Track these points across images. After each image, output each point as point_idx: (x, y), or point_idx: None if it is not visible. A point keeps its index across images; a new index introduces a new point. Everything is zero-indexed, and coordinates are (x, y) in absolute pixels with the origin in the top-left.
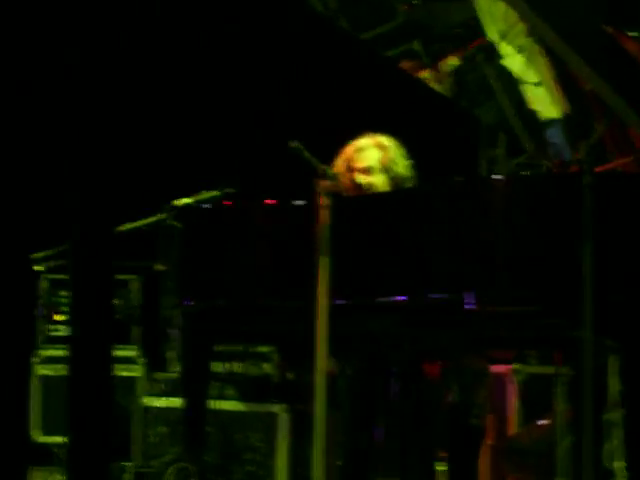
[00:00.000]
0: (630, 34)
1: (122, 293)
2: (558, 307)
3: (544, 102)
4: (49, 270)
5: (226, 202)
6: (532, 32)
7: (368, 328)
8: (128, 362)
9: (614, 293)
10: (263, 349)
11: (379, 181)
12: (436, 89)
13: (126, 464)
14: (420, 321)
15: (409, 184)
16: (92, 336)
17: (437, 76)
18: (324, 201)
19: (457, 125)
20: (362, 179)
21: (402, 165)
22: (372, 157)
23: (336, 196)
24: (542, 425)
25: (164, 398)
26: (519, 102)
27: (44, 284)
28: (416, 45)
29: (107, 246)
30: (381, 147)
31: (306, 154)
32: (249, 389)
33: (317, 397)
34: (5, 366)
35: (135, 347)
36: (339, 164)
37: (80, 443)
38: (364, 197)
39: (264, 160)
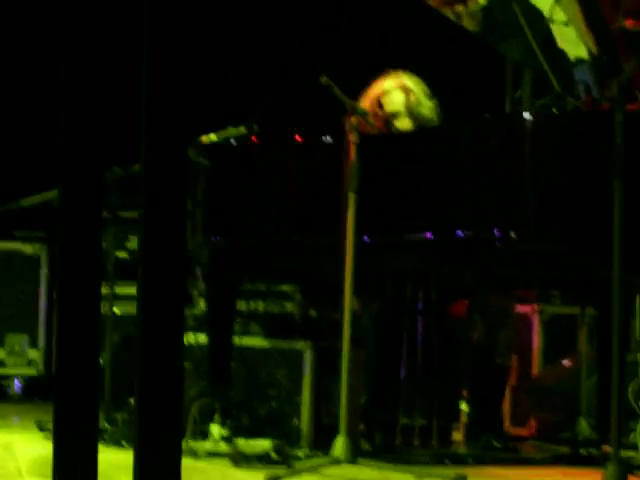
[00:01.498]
0: None
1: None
2: (587, 246)
3: (572, 41)
4: None
5: (254, 139)
6: None
7: (394, 266)
8: None
9: None
10: (286, 288)
11: (406, 125)
12: (466, 26)
13: None
14: (446, 259)
15: (433, 124)
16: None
17: (468, 12)
18: (353, 138)
19: (483, 63)
20: (389, 121)
21: (427, 107)
22: (397, 101)
23: (365, 133)
24: (565, 365)
25: (189, 334)
26: (547, 41)
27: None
28: None
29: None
30: (406, 90)
31: (336, 90)
32: (273, 326)
33: (344, 334)
34: None
35: None
36: (366, 104)
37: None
38: (392, 135)
39: (292, 95)
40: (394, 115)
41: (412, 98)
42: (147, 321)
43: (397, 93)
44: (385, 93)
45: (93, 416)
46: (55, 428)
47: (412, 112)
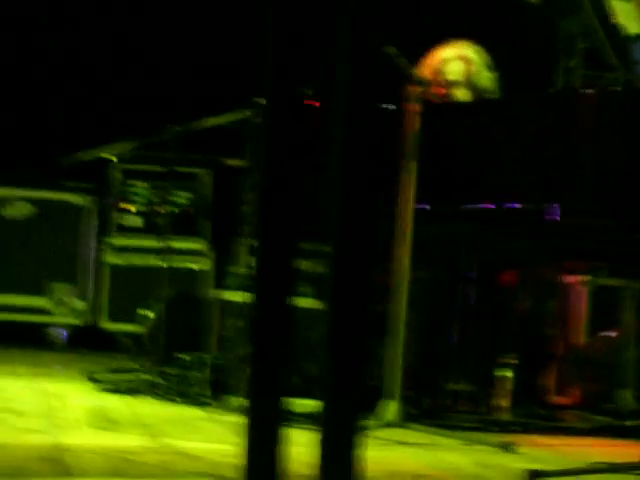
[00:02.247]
0: None
1: (193, 186)
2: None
3: (632, 17)
4: (121, 160)
5: (309, 101)
6: None
7: (451, 233)
8: (198, 254)
9: None
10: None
11: (464, 94)
12: None
13: (203, 355)
14: (500, 230)
15: (493, 96)
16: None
17: None
18: (414, 107)
19: (536, 34)
20: (448, 90)
21: (486, 77)
22: (457, 70)
23: (426, 102)
24: (609, 337)
25: (240, 292)
26: (605, 15)
27: (117, 174)
28: None
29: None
30: (465, 60)
31: (401, 60)
32: (323, 288)
33: (397, 298)
34: None
35: (204, 240)
36: (425, 73)
37: None
38: (454, 104)
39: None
40: (453, 84)
41: (472, 68)
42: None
43: (457, 62)
44: (445, 62)
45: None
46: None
47: (471, 82)
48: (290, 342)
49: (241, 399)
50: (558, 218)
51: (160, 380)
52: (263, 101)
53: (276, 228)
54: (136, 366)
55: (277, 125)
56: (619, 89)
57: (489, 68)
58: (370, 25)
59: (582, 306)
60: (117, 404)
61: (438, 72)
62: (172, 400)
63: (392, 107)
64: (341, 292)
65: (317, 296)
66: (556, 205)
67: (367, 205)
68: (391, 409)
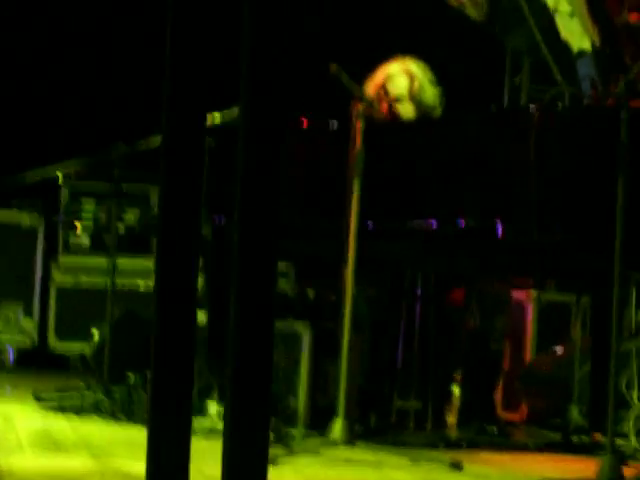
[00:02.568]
0: None
1: (142, 204)
2: (585, 239)
3: (576, 34)
4: (71, 179)
5: None
6: None
7: (395, 251)
8: (148, 273)
9: None
10: (280, 266)
11: (408, 110)
12: (470, 14)
13: (149, 374)
14: (447, 247)
15: (437, 113)
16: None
17: (472, 1)
18: (359, 125)
19: (483, 50)
20: (394, 107)
21: (431, 94)
22: (401, 85)
23: (371, 120)
24: (559, 352)
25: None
26: (551, 32)
27: (65, 193)
28: None
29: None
30: (410, 75)
31: (345, 77)
32: None
33: (345, 317)
34: None
35: (154, 259)
36: (370, 89)
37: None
38: (398, 122)
39: (300, 80)
40: (397, 99)
41: (416, 84)
42: (161, 294)
43: (401, 78)
44: (390, 77)
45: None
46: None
47: (415, 98)
48: (191, 360)
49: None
50: (500, 235)
51: (106, 399)
52: (208, 121)
53: (176, 246)
54: (83, 385)
55: (175, 153)
56: (561, 105)
57: (433, 84)
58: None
59: (530, 322)
60: (62, 425)
61: (383, 87)
62: (117, 419)
63: (335, 125)
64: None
65: None
66: (499, 222)
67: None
68: (338, 427)
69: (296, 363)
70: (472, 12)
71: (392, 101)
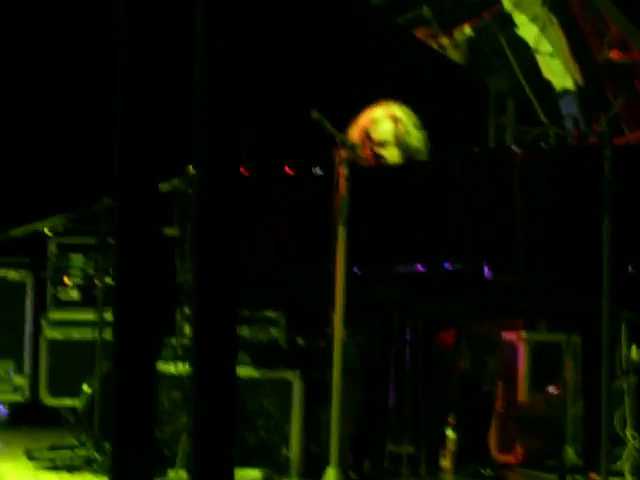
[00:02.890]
0: None
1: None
2: (572, 278)
3: (558, 73)
4: (58, 234)
5: (243, 169)
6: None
7: (383, 297)
8: None
9: (632, 265)
10: (270, 314)
11: (393, 154)
12: (451, 56)
13: None
14: (435, 290)
15: (422, 157)
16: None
17: (453, 43)
18: (343, 171)
19: (467, 92)
20: (378, 152)
21: (415, 137)
22: (386, 130)
23: (355, 166)
24: (551, 392)
25: (178, 363)
26: (533, 71)
27: (53, 248)
28: (426, 12)
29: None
30: (395, 119)
31: (326, 124)
32: (261, 355)
33: (334, 365)
34: None
35: None
36: (355, 134)
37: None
38: (383, 168)
39: (283, 128)
40: (382, 144)
41: (401, 127)
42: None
43: (386, 122)
44: (374, 122)
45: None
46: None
47: (400, 142)
48: (153, 410)
49: (180, 472)
50: (489, 276)
51: (98, 456)
52: (192, 170)
53: (133, 298)
54: (75, 442)
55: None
56: (544, 145)
57: (418, 127)
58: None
59: (522, 362)
60: None
61: (366, 132)
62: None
63: (319, 171)
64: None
65: (255, 364)
66: (486, 263)
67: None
68: (331, 475)
69: (288, 412)
70: (454, 55)
71: (377, 145)
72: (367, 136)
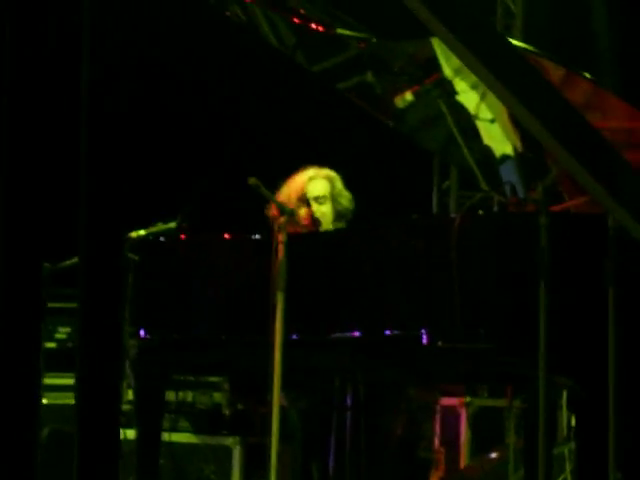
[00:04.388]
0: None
1: (72, 322)
2: (511, 346)
3: (498, 139)
4: None
5: (182, 235)
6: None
7: (322, 363)
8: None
9: (569, 332)
10: (214, 379)
11: (328, 210)
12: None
13: None
14: (374, 356)
15: (349, 215)
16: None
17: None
18: (281, 237)
19: (410, 158)
20: (315, 209)
21: (346, 197)
22: (323, 187)
23: (292, 232)
24: (493, 457)
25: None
26: (473, 138)
27: None
28: (369, 77)
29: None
30: (329, 179)
31: (264, 190)
32: (202, 421)
33: (272, 430)
34: None
35: None
36: (290, 194)
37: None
38: (319, 233)
39: (220, 193)
40: (320, 198)
41: (336, 187)
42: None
43: (322, 180)
44: (311, 179)
45: None
46: None
47: (335, 199)
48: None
49: None
50: (427, 343)
51: None
52: (134, 235)
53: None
54: None
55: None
56: (481, 214)
57: (345, 189)
58: None
59: (463, 427)
60: None
61: (305, 189)
62: None
63: (257, 237)
64: None
65: (195, 430)
66: (424, 329)
67: None
68: None
69: (228, 478)
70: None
71: (314, 200)
72: (301, 195)
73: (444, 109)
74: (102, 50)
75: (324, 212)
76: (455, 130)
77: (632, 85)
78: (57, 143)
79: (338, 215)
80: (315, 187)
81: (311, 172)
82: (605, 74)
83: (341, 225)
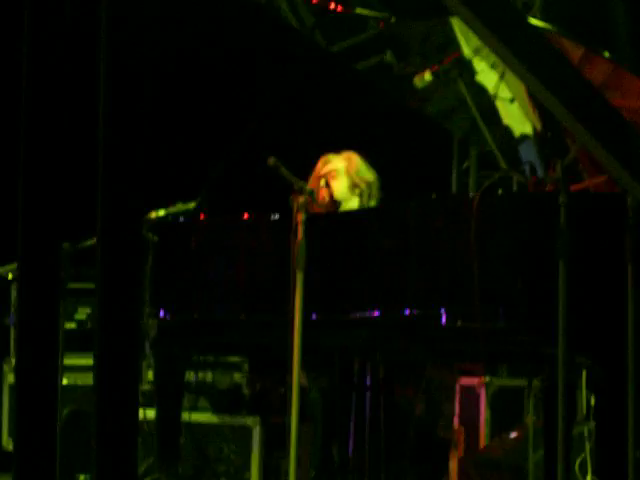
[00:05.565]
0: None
1: (90, 301)
2: (530, 325)
3: (517, 119)
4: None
5: (202, 215)
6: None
7: (341, 342)
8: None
9: (588, 311)
10: (234, 359)
11: (342, 185)
12: (412, 104)
13: None
14: (392, 336)
15: (374, 192)
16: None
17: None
18: (300, 217)
19: (429, 138)
20: (326, 183)
21: (366, 171)
22: (337, 163)
23: (312, 212)
24: (513, 437)
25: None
26: (493, 118)
27: (14, 293)
28: (389, 57)
29: None
30: (346, 157)
31: (283, 170)
32: (222, 401)
33: (292, 410)
34: None
35: None
36: (312, 180)
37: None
38: (339, 213)
39: (241, 174)
40: (332, 174)
41: (352, 164)
42: (102, 392)
43: (338, 158)
44: (328, 160)
45: None
46: None
47: (352, 174)
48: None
49: None
50: (445, 322)
51: None
52: (153, 216)
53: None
54: None
55: None
56: (501, 192)
57: (369, 168)
58: None
59: (483, 407)
60: None
61: (321, 168)
62: None
63: (276, 217)
64: None
65: (214, 410)
66: (443, 309)
67: None
68: None
69: (248, 458)
70: (414, 102)
71: (327, 176)
72: (318, 175)
73: (464, 90)
74: (119, 30)
75: (336, 187)
76: (476, 113)
77: None
78: (79, 123)
79: (356, 188)
80: (328, 165)
81: (330, 156)
82: (622, 54)
83: (369, 202)
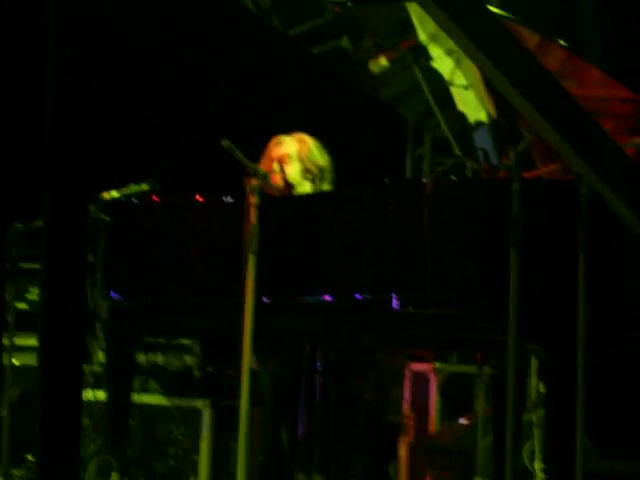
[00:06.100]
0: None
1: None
2: (481, 311)
3: (472, 105)
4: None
5: (155, 197)
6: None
7: (292, 326)
8: None
9: (539, 299)
10: (185, 341)
11: (294, 170)
12: (367, 88)
13: None
14: (344, 320)
15: (326, 176)
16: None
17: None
18: (253, 200)
19: (384, 123)
20: (280, 167)
21: (319, 157)
22: (288, 147)
23: (265, 195)
24: (462, 423)
25: (88, 390)
26: (448, 104)
27: None
28: (345, 42)
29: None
30: (298, 140)
31: (237, 153)
32: (172, 383)
33: (242, 393)
34: None
35: None
36: (264, 161)
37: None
38: (292, 197)
39: (195, 156)
40: (284, 158)
41: (304, 147)
42: (46, 375)
43: (291, 142)
44: (280, 142)
45: None
46: None
47: (302, 158)
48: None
49: None
50: (396, 308)
51: None
52: (106, 196)
53: (60, 323)
54: None
55: None
56: (454, 179)
57: (322, 151)
58: None
59: (433, 393)
60: None
61: (273, 150)
62: None
63: (230, 200)
64: None
65: (164, 392)
66: (394, 294)
67: None
68: None
69: (197, 440)
70: (368, 87)
71: (279, 160)
72: (269, 157)
73: (419, 76)
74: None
75: (288, 171)
76: (431, 99)
77: (615, 54)
78: (26, 107)
79: (308, 173)
80: (280, 148)
81: (282, 137)
82: (588, 43)
83: (321, 185)
